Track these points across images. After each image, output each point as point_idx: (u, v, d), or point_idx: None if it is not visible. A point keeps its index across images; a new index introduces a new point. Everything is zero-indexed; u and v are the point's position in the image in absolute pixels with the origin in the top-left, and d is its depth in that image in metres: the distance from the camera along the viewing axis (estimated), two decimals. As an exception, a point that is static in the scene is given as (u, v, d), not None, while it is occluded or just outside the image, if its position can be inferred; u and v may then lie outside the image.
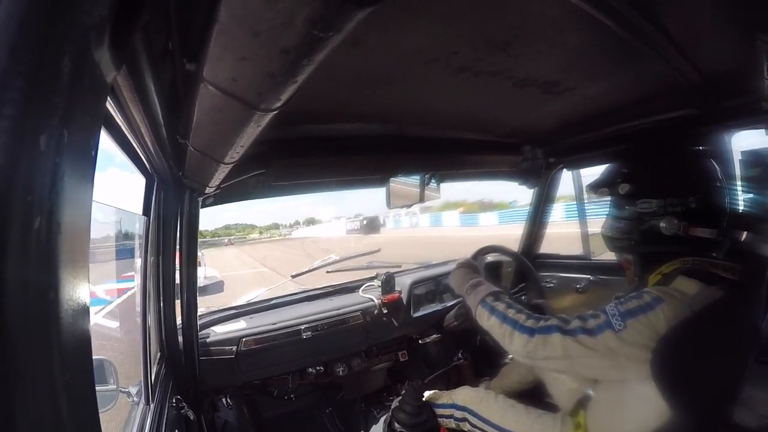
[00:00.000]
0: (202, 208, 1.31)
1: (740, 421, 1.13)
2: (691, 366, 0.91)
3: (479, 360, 2.14)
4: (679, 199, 1.04)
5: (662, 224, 1.04)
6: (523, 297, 1.76)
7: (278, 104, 0.51)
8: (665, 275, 1.03)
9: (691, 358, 0.91)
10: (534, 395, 1.49)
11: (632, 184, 1.12)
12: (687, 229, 1.02)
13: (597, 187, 1.25)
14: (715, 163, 1.09)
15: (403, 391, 1.51)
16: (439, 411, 1.48)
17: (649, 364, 0.90)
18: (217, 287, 8.93)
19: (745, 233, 1.08)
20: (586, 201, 2.16)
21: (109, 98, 0.56)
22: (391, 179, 1.60)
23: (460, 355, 2.11)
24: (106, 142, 0.74)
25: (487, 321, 1.11)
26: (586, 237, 2.17)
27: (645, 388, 0.91)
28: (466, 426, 1.37)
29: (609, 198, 1.21)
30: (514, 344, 1.04)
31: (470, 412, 1.38)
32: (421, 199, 1.69)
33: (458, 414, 1.43)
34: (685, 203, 1.04)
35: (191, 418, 1.25)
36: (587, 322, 0.97)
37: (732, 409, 1.07)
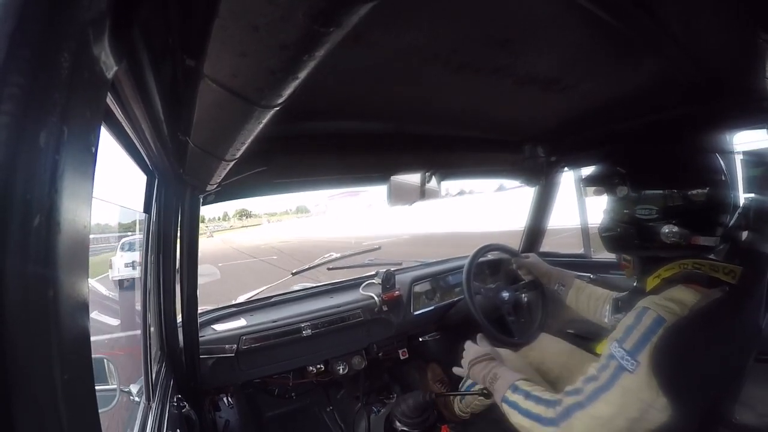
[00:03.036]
0: (203, 205, 1.31)
1: (741, 419, 1.13)
2: (691, 364, 0.91)
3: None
4: (680, 193, 1.01)
5: (663, 231, 1.01)
6: (523, 289, 1.78)
7: (279, 100, 0.51)
8: (665, 279, 1.02)
9: (692, 356, 0.90)
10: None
11: (630, 187, 1.08)
12: (689, 238, 0.99)
13: (593, 182, 1.22)
14: (719, 158, 1.05)
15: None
16: (466, 381, 1.51)
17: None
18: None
19: (745, 233, 1.07)
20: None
21: (109, 94, 0.55)
22: (392, 177, 1.59)
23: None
24: (106, 138, 0.74)
25: (513, 417, 1.10)
26: (586, 235, 2.18)
27: (651, 387, 0.90)
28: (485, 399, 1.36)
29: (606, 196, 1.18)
30: None
31: None
32: (422, 197, 1.69)
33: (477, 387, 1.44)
34: (687, 197, 1.01)
35: (192, 417, 1.25)
36: (599, 379, 0.93)
37: (733, 407, 1.08)
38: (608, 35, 0.87)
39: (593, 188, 1.24)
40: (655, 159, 1.11)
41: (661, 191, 1.04)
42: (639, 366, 0.88)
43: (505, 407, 1.13)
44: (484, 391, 1.37)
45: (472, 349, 1.34)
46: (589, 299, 1.47)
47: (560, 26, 0.86)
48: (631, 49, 0.96)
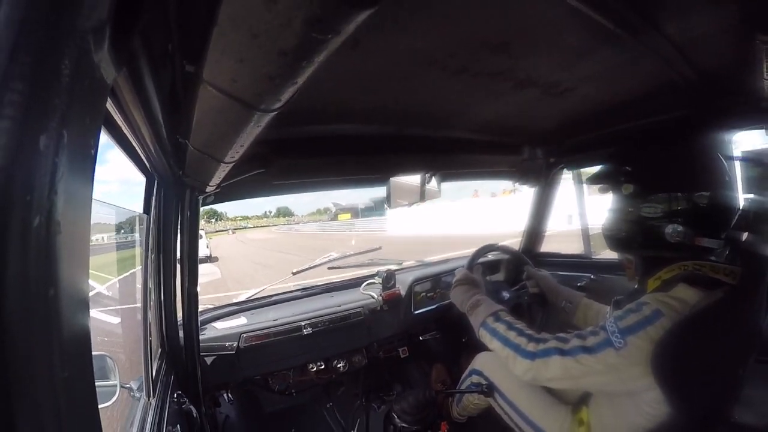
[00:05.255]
0: (202, 206, 1.32)
1: (741, 419, 1.13)
2: (691, 364, 0.91)
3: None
4: (685, 196, 1.01)
5: (667, 231, 1.00)
6: (523, 291, 1.78)
7: (278, 105, 0.51)
8: (665, 281, 1.02)
9: (691, 357, 0.91)
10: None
11: (636, 185, 1.08)
12: (693, 238, 0.98)
13: (598, 180, 1.21)
14: (722, 159, 1.04)
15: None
16: (464, 382, 1.51)
17: (651, 376, 0.90)
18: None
19: (745, 234, 1.07)
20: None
21: (109, 99, 0.56)
22: (392, 179, 1.60)
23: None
24: (106, 141, 0.75)
25: (490, 343, 1.13)
26: (586, 235, 2.18)
27: (630, 371, 0.92)
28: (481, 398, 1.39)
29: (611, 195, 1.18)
30: (516, 369, 1.06)
31: (483, 376, 1.41)
32: (422, 199, 1.69)
33: (475, 379, 1.46)
34: (692, 200, 1.00)
35: (193, 413, 1.26)
36: (587, 340, 0.97)
37: (733, 408, 1.07)
38: (606, 38, 0.88)
39: (598, 186, 1.23)
40: (662, 158, 1.10)
41: (666, 190, 1.03)
42: (625, 347, 0.90)
43: (482, 332, 1.16)
44: (484, 390, 1.38)
45: (460, 273, 1.38)
46: (598, 316, 1.46)
47: (559, 30, 0.86)
48: (629, 52, 0.96)
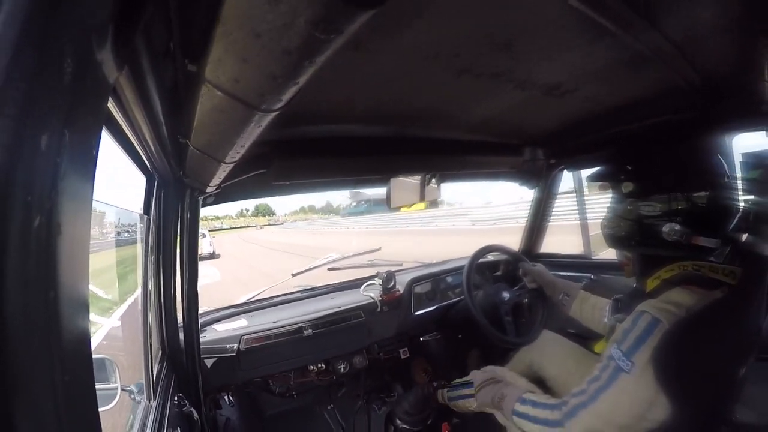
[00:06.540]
0: (202, 207, 1.32)
1: (741, 418, 1.13)
2: (691, 365, 0.91)
3: (484, 353, 2.14)
4: (684, 196, 1.01)
5: (664, 229, 1.01)
6: (523, 290, 1.79)
7: (279, 105, 0.51)
8: (664, 281, 1.02)
9: (692, 358, 0.91)
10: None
11: (636, 183, 1.09)
12: (690, 237, 0.99)
13: (598, 178, 1.22)
14: (722, 159, 1.05)
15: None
16: (458, 391, 1.48)
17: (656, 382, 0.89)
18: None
19: (745, 235, 1.07)
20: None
21: (110, 98, 0.56)
22: (392, 179, 1.60)
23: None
24: (107, 141, 0.75)
25: (526, 428, 1.11)
26: (586, 235, 2.18)
27: (648, 387, 0.91)
28: (474, 403, 1.35)
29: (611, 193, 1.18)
30: None
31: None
32: (422, 199, 1.69)
33: (472, 390, 1.44)
34: (691, 200, 1.01)
35: (193, 415, 1.25)
36: (600, 379, 0.95)
37: (733, 407, 1.07)
38: (608, 40, 0.88)
39: (598, 184, 1.24)
40: (663, 157, 1.11)
41: (665, 190, 1.04)
42: (634, 367, 0.89)
43: (515, 419, 1.14)
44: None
45: (477, 376, 1.36)
46: (594, 309, 1.47)
47: (560, 31, 0.86)
48: (630, 54, 0.96)
